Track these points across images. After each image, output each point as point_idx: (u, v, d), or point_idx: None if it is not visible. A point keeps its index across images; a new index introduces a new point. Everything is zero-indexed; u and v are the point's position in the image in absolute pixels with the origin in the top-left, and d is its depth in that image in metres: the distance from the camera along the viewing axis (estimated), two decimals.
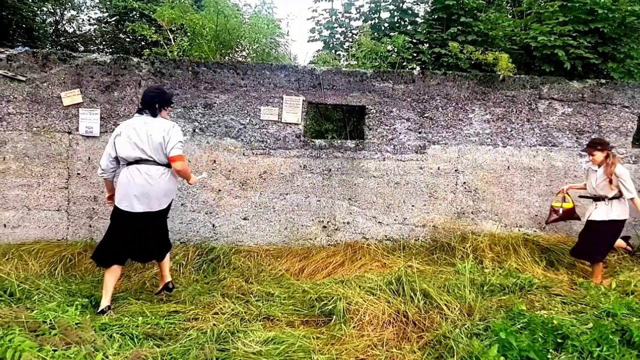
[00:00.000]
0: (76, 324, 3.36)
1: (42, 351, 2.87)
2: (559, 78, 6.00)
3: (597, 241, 5.02)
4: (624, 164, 5.25)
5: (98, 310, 3.88)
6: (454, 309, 3.87)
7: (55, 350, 2.92)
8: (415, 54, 6.45)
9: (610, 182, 4.89)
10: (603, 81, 6.05)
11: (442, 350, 3.30)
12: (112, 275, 4.05)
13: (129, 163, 4.00)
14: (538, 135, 5.96)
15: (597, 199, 5.07)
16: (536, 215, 5.99)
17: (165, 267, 4.32)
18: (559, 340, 3.30)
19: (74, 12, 11.93)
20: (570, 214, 5.30)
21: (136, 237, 4.06)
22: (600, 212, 5.01)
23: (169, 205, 4.25)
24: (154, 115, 4.07)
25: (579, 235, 5.28)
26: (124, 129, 4.01)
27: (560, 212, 5.24)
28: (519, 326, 3.47)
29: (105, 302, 3.93)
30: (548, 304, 4.20)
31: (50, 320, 3.35)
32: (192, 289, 4.47)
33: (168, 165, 4.05)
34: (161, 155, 3.99)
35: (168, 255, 4.37)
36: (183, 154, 4.07)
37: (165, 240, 4.33)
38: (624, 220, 5.00)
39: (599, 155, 4.95)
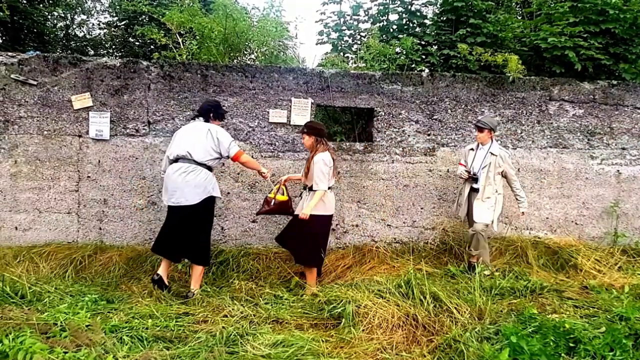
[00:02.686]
0: (86, 326, 3.38)
1: (53, 353, 2.89)
2: (569, 79, 5.95)
3: (302, 239, 4.55)
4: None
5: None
6: (464, 312, 3.84)
7: (65, 352, 2.94)
8: (423, 56, 6.41)
9: (308, 169, 4.59)
10: (614, 82, 5.99)
11: (453, 354, 3.28)
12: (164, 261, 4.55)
13: (172, 161, 4.43)
14: (548, 137, 5.91)
15: (305, 188, 4.72)
16: (547, 218, 5.93)
17: (194, 274, 4.49)
18: (571, 345, 3.26)
19: (84, 17, 12.05)
20: (284, 208, 4.81)
21: (172, 231, 4.43)
22: (302, 205, 4.67)
23: (206, 208, 4.45)
24: (207, 121, 4.58)
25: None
26: (178, 132, 4.56)
27: (272, 203, 4.74)
28: (530, 330, 3.44)
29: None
30: (559, 308, 4.16)
31: (61, 322, 3.37)
32: (202, 291, 4.48)
33: (201, 164, 4.37)
34: (199, 153, 4.36)
35: (201, 270, 4.52)
36: (240, 149, 4.57)
37: (197, 244, 4.45)
38: (327, 216, 4.64)
39: (307, 139, 4.63)
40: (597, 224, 6.02)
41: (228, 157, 4.48)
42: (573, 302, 4.33)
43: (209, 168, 4.46)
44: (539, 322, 3.51)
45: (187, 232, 4.40)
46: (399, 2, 7.08)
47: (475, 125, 5.22)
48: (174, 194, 4.34)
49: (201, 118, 4.58)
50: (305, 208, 4.49)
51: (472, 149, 5.28)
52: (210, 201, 4.48)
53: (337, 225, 5.68)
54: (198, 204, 4.34)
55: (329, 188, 4.60)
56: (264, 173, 4.75)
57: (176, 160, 4.39)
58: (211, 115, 4.61)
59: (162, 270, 4.46)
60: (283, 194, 4.80)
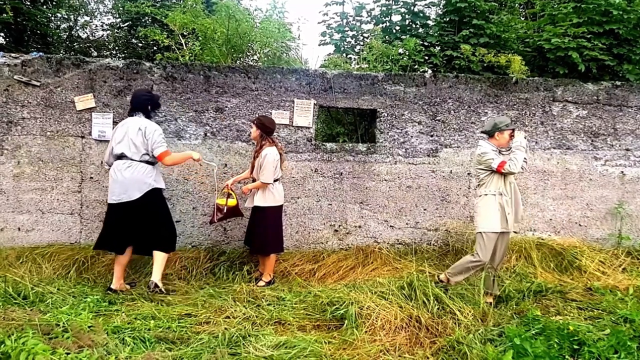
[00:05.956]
0: (89, 327, 3.38)
1: (55, 354, 2.88)
2: (573, 80, 5.93)
3: (258, 231, 4.84)
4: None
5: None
6: (467, 314, 3.83)
7: (68, 353, 2.93)
8: (426, 57, 6.40)
9: (258, 164, 4.75)
10: (618, 83, 5.97)
11: (456, 356, 3.27)
12: (116, 262, 4.57)
13: (116, 157, 4.45)
14: (552, 138, 5.89)
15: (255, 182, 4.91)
16: (550, 219, 5.91)
17: (156, 261, 4.48)
18: (575, 347, 3.24)
19: (87, 18, 12.07)
20: (235, 211, 5.00)
21: (125, 228, 4.43)
22: (250, 199, 4.93)
23: (154, 201, 4.45)
24: (147, 116, 4.54)
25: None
26: (117, 128, 4.52)
27: (225, 210, 4.87)
28: (533, 332, 3.42)
29: (113, 285, 4.51)
30: (563, 310, 4.15)
31: (63, 323, 3.37)
32: (204, 292, 4.47)
33: (138, 161, 4.38)
34: (133, 152, 4.36)
35: (162, 256, 4.49)
36: (167, 149, 4.47)
37: (159, 233, 4.49)
38: (272, 207, 4.84)
39: (254, 132, 4.83)
40: (601, 226, 6.00)
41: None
42: (577, 304, 4.32)
43: (149, 162, 4.44)
44: (543, 324, 3.49)
45: (141, 226, 4.41)
46: (401, 3, 7.06)
47: (512, 130, 4.49)
48: (115, 191, 4.37)
49: (140, 113, 4.49)
50: (256, 198, 4.80)
51: (500, 152, 4.50)
52: (155, 193, 4.47)
53: (339, 226, 5.67)
54: (141, 198, 4.35)
55: (277, 180, 4.86)
56: (196, 158, 4.64)
57: (119, 157, 4.41)
58: (149, 107, 4.55)
59: (115, 280, 4.51)
60: (232, 198, 4.91)
